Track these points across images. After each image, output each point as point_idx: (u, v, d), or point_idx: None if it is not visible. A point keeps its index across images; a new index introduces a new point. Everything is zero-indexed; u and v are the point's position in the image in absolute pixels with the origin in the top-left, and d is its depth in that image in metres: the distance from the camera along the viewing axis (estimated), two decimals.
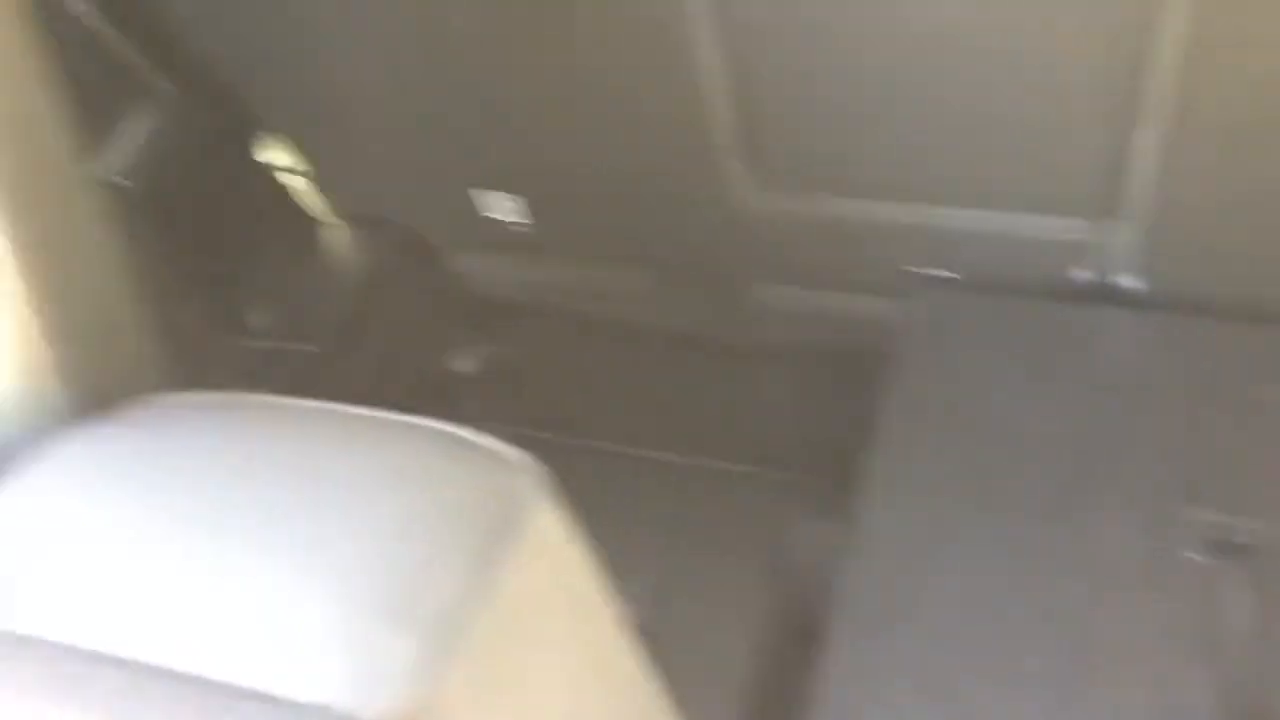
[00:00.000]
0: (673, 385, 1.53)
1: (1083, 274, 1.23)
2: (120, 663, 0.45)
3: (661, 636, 1.24)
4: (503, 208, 1.39)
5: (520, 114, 1.27)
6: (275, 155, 1.46)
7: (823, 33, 1.09)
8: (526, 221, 1.40)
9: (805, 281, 1.38)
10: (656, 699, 0.62)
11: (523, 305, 1.56)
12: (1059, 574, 1.03)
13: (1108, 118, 1.08)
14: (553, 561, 0.52)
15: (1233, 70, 1.02)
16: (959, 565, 1.05)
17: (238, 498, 0.50)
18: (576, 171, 1.33)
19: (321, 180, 1.48)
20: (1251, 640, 0.98)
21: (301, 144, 1.44)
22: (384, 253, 1.54)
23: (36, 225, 0.55)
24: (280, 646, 0.45)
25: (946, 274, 1.27)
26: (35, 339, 0.55)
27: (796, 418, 1.48)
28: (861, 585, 1.05)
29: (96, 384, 0.57)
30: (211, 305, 1.44)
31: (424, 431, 0.53)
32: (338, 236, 1.54)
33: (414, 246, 1.53)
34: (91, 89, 1.31)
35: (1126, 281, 1.22)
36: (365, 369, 1.50)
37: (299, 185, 1.49)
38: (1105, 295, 1.23)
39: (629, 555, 1.25)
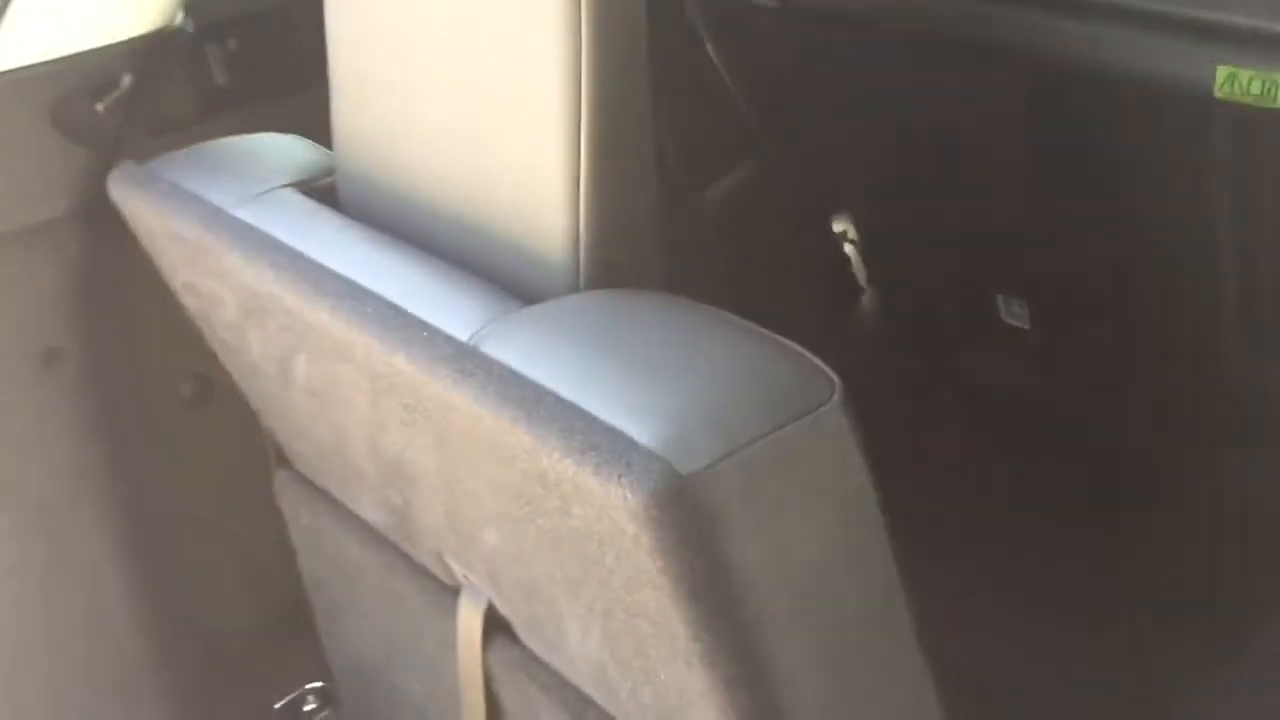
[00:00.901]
0: (1113, 504, 1.56)
1: None
2: (551, 395, 0.73)
3: (994, 682, 1.30)
4: (1008, 309, 1.56)
5: (1040, 233, 1.43)
6: (845, 226, 1.72)
7: None
8: (1025, 326, 1.54)
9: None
10: (902, 598, 0.80)
11: (1005, 398, 1.69)
12: None
13: None
14: (834, 451, 0.74)
15: None
16: None
17: (661, 336, 0.80)
18: (1080, 295, 1.47)
19: (866, 252, 1.74)
20: None
21: (857, 221, 1.70)
22: (897, 322, 1.76)
23: (608, 163, 0.83)
24: (641, 420, 0.71)
25: None
26: (575, 237, 0.84)
27: (1213, 566, 1.48)
28: None
29: (606, 278, 0.86)
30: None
31: (770, 337, 0.78)
32: (869, 300, 1.78)
33: (923, 322, 1.74)
34: (715, 132, 1.64)
35: None
36: None
37: (851, 253, 1.75)
38: None
39: (997, 607, 1.35)
